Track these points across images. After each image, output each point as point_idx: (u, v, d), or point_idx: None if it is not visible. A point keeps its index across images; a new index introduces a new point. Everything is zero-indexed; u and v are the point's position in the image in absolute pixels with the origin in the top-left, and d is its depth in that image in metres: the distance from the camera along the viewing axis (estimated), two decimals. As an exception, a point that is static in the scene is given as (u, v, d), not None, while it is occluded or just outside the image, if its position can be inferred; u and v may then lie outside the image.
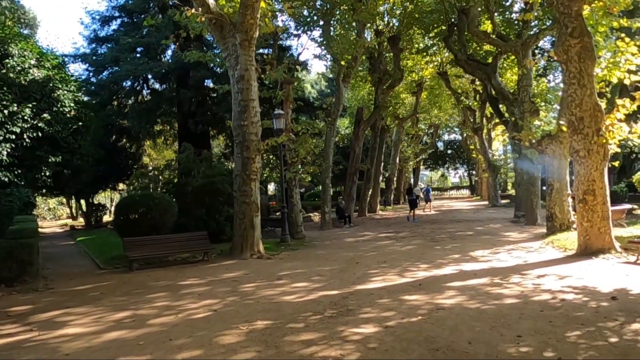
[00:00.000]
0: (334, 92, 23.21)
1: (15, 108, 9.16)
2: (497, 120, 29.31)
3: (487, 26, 20.84)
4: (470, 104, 30.71)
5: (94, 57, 25.45)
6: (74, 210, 37.36)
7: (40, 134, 9.42)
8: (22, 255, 9.74)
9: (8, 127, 8.95)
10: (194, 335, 5.68)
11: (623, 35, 11.42)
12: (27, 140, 9.41)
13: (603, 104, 10.21)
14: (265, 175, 38.02)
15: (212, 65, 21.99)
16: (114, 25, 26.71)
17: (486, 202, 33.91)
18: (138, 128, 25.20)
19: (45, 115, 9.46)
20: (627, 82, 11.06)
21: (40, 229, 29.16)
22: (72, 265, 13.09)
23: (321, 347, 5.05)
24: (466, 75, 27.25)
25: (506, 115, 19.23)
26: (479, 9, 19.58)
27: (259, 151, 12.87)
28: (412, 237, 15.63)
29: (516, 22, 20.63)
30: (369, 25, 23.59)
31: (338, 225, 21.23)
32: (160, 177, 16.97)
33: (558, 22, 10.16)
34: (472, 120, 31.18)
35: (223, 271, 10.56)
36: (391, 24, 25.33)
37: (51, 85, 9.89)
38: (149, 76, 25.46)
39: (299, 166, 17.33)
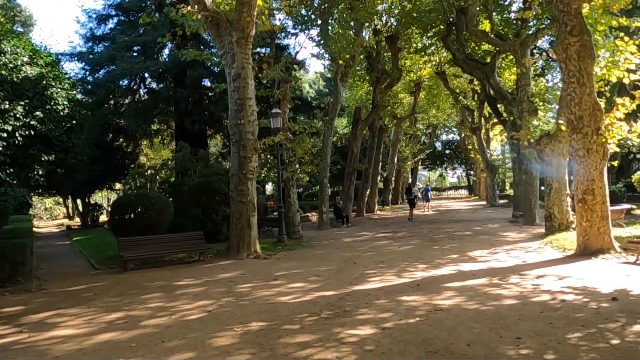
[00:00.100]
0: (332, 91, 23.11)
1: (7, 106, 9.02)
2: (495, 120, 29.27)
3: (486, 25, 20.77)
4: (468, 103, 30.65)
5: (91, 56, 25.27)
6: (70, 210, 37.18)
7: (32, 132, 9.27)
8: (15, 255, 9.61)
9: (0, 125, 8.83)
10: (187, 337, 5.57)
11: (622, 34, 11.37)
12: (19, 138, 9.25)
13: (602, 103, 10.13)
14: (263, 174, 37.93)
15: (209, 64, 21.85)
16: (111, 23, 26.54)
17: (484, 202, 33.86)
18: (135, 127, 25.04)
19: (38, 113, 9.31)
20: (626, 81, 10.99)
21: (36, 229, 29.10)
22: (66, 265, 12.96)
23: (317, 349, 4.94)
24: (464, 75, 27.20)
25: (504, 114, 19.18)
26: (477, 8, 19.52)
27: (255, 150, 12.76)
28: (410, 237, 15.53)
29: (514, 21, 20.58)
30: (367, 24, 23.50)
31: (336, 225, 21.13)
32: (157, 177, 16.83)
33: (557, 21, 10.08)
34: (470, 120, 31.12)
35: (219, 271, 10.45)
36: (389, 24, 25.24)
37: (44, 82, 9.75)
38: (146, 75, 25.29)
39: (297, 166, 17.22)
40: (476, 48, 23.68)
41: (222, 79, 18.87)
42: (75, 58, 25.33)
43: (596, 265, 8.96)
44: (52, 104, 9.90)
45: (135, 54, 24.66)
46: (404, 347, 4.90)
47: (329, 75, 32.86)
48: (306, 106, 27.30)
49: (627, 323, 5.29)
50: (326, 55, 20.76)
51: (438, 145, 52.66)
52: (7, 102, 9.03)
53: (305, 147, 16.61)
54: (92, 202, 30.67)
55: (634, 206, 17.89)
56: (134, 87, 26.50)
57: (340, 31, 20.68)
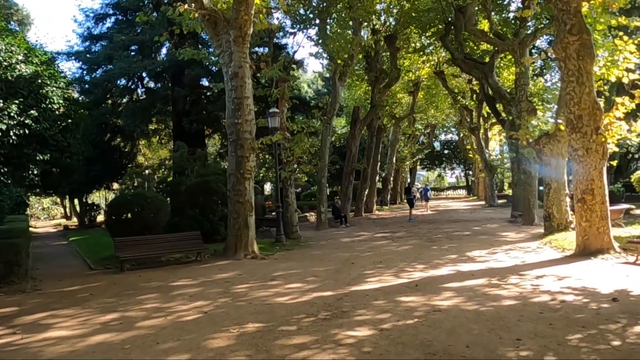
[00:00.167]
0: (331, 91, 23.03)
1: (1, 104, 8.92)
2: (493, 120, 29.24)
3: (484, 25, 20.73)
4: (467, 103, 30.62)
5: (88, 55, 25.13)
6: (68, 210, 37.03)
7: (27, 131, 9.16)
8: (9, 256, 9.50)
9: (-6, 124, 8.74)
10: (182, 339, 5.48)
11: (621, 33, 11.31)
12: (13, 137, 9.16)
13: (601, 103, 10.07)
14: (261, 174, 37.87)
15: (207, 63, 21.75)
16: (108, 22, 26.38)
17: (483, 202, 33.82)
18: (132, 127, 24.91)
19: (32, 112, 9.21)
20: (625, 80, 10.93)
21: (33, 229, 28.97)
22: (62, 265, 12.87)
23: (313, 351, 4.86)
24: (463, 74, 27.17)
25: (503, 114, 19.12)
26: (476, 8, 19.47)
27: (253, 150, 12.67)
28: (408, 237, 15.46)
29: (513, 20, 20.54)
30: (365, 24, 23.43)
31: (334, 225, 21.06)
32: (154, 177, 16.72)
33: (556, 19, 10.01)
34: (468, 120, 31.09)
35: (216, 272, 10.36)
36: (388, 23, 25.17)
37: (39, 81, 9.65)
38: (144, 74, 25.16)
39: (295, 166, 17.13)
40: (475, 48, 23.63)
41: (220, 78, 18.79)
42: (73, 57, 25.21)
43: (596, 265, 8.89)
44: (47, 102, 9.80)
45: (132, 53, 24.53)
46: (402, 348, 4.82)
47: (327, 75, 32.78)
48: (304, 106, 27.21)
49: (628, 324, 5.23)
50: (324, 55, 20.68)
51: (437, 145, 52.63)
52: (1, 101, 8.93)
53: (303, 147, 16.51)
54: (89, 202, 30.53)
55: (632, 206, 17.85)
56: (132, 87, 26.36)
57: (338, 30, 20.61)
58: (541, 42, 25.98)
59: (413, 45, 26.98)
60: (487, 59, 20.40)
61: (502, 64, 24.49)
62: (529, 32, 18.07)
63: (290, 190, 17.71)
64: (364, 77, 27.61)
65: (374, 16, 22.82)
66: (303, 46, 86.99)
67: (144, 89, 26.75)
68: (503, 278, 8.04)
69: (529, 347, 4.66)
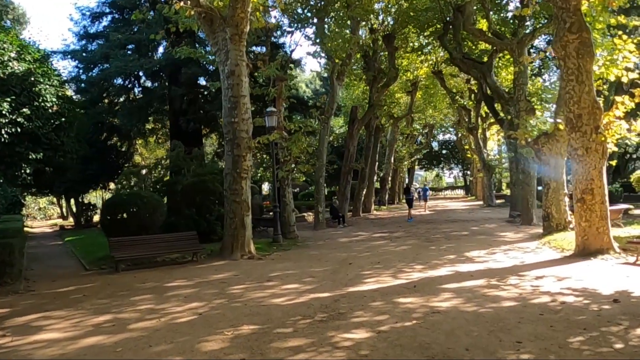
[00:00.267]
0: (329, 90, 22.92)
1: (-7, 102, 8.80)
2: (492, 120, 29.18)
3: (483, 24, 20.67)
4: (465, 103, 30.57)
5: (84, 54, 24.99)
6: (64, 210, 36.82)
7: (19, 130, 9.03)
8: (2, 256, 9.35)
9: (-15, 122, 8.59)
10: (176, 341, 5.36)
11: (620, 32, 11.24)
12: (5, 136, 9.02)
13: (600, 102, 9.99)
14: (259, 174, 37.74)
15: (204, 62, 21.64)
16: (105, 21, 26.28)
17: (481, 202, 33.78)
18: (129, 126, 24.76)
19: (25, 110, 9.07)
20: (624, 79, 10.84)
21: (29, 229, 28.76)
22: (57, 266, 12.72)
23: (309, 354, 4.75)
24: (461, 74, 27.10)
25: (501, 114, 19.05)
26: (475, 7, 19.40)
27: (249, 149, 12.55)
28: (406, 237, 15.36)
29: (511, 20, 20.48)
30: (363, 23, 23.33)
31: (332, 225, 20.95)
32: (150, 176, 16.58)
33: (556, 17, 9.92)
34: (467, 119, 31.05)
35: (212, 272, 10.24)
36: (386, 22, 25.09)
37: (32, 79, 9.50)
38: (141, 73, 25.01)
39: (293, 165, 17.01)
40: (473, 47, 23.58)
41: (217, 77, 18.60)
42: (69, 56, 25.05)
43: (595, 266, 8.81)
44: (40, 100, 9.66)
45: (129, 52, 24.39)
46: (400, 351, 4.72)
47: (325, 75, 32.69)
48: (302, 105, 27.11)
49: (630, 326, 5.13)
50: (322, 54, 20.57)
51: (435, 145, 52.59)
52: (-8, 99, 8.81)
53: (300, 147, 16.38)
54: (85, 202, 30.34)
55: (631, 206, 17.80)
56: (129, 86, 26.22)
57: (336, 30, 20.51)
58: (540, 41, 25.94)
59: (411, 44, 26.91)
60: (485, 59, 20.34)
61: (500, 64, 24.44)
62: (528, 31, 18.00)
63: (288, 190, 17.59)
64: (362, 76, 27.52)
65: (372, 15, 22.74)
66: (301, 45, 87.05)
67: (140, 88, 26.60)
68: (502, 279, 7.95)
69: (530, 350, 4.56)
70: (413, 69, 29.88)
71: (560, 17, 9.68)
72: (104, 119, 25.13)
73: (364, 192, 27.37)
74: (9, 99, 9.01)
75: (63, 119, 10.13)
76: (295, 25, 20.20)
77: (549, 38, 24.67)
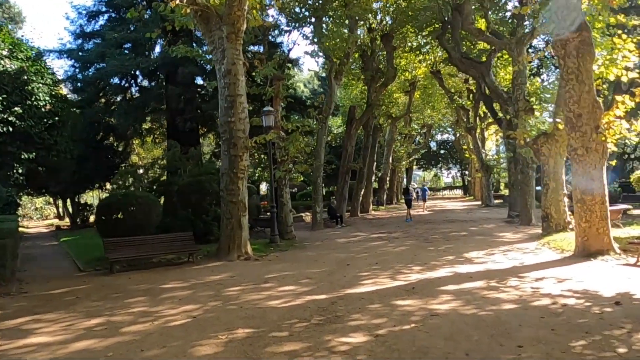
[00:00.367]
0: (327, 90, 22.80)
1: (-17, 101, 8.63)
2: (490, 120, 29.11)
3: (481, 24, 20.58)
4: (463, 103, 30.48)
5: (80, 53, 24.72)
6: (60, 210, 36.59)
7: (11, 129, 8.87)
8: (-6, 257, 9.19)
9: (-24, 121, 8.42)
10: (168, 346, 5.23)
11: (620, 32, 11.15)
12: (-4, 135, 8.88)
13: (600, 102, 9.88)
14: (257, 174, 37.57)
15: (201, 61, 21.46)
16: (101, 20, 25.96)
17: (479, 202, 33.69)
18: (125, 126, 24.53)
19: (16, 109, 8.92)
20: (624, 79, 10.75)
21: (25, 229, 28.55)
22: (51, 267, 12.57)
23: (305, 358, 4.63)
24: (460, 74, 27.00)
25: (500, 114, 18.96)
26: (473, 6, 19.30)
27: (246, 149, 12.41)
28: (404, 238, 15.25)
29: (510, 19, 20.40)
30: (361, 23, 23.21)
31: (330, 226, 20.83)
32: (145, 176, 16.43)
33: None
34: (465, 119, 30.96)
35: (208, 273, 10.11)
36: (384, 22, 24.97)
37: (25, 77, 9.34)
38: (138, 73, 24.80)
39: (291, 165, 16.87)
40: (471, 47, 23.49)
41: (214, 76, 18.45)
42: (65, 55, 24.77)
43: (596, 267, 8.71)
44: (32, 99, 9.49)
45: (126, 51, 24.18)
46: (398, 356, 4.60)
47: (323, 75, 32.56)
48: (300, 105, 26.95)
49: (633, 329, 5.02)
50: (320, 53, 20.43)
51: (433, 145, 52.55)
52: (-17, 98, 8.64)
53: (298, 146, 16.26)
54: (82, 202, 30.14)
55: (630, 206, 17.72)
56: (125, 85, 25.98)
57: (334, 29, 20.39)
58: (538, 41, 25.89)
59: (409, 44, 26.80)
60: (484, 58, 20.23)
61: (498, 63, 24.36)
62: (526, 31, 17.91)
63: (285, 190, 17.45)
64: (360, 76, 27.40)
65: (370, 14, 22.60)
66: (298, 44, 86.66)
67: (137, 88, 26.39)
68: (502, 280, 7.84)
69: (531, 355, 4.45)
70: (411, 69, 29.77)
71: (560, 16, 9.57)
72: (100, 118, 24.89)
73: (362, 192, 27.25)
74: (0, 98, 8.85)
75: (56, 118, 9.97)
76: (293, 24, 20.06)
77: (547, 38, 24.61)
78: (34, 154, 9.51)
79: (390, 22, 24.71)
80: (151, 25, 19.88)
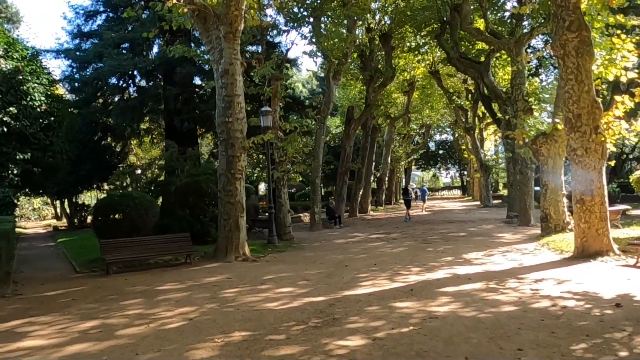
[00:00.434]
0: (325, 90, 22.75)
1: (-22, 101, 8.54)
2: (489, 120, 29.05)
3: (480, 24, 20.55)
4: (462, 103, 30.43)
5: (78, 53, 24.65)
6: (58, 211, 36.45)
7: (6, 129, 8.78)
8: (-11, 259, 9.12)
9: (-30, 121, 8.33)
10: (163, 349, 5.16)
11: (619, 31, 11.10)
12: (-9, 135, 8.78)
13: (599, 102, 9.83)
14: (255, 174, 37.48)
15: (199, 61, 21.38)
16: (99, 20, 25.91)
17: (478, 203, 33.67)
18: (123, 126, 24.45)
19: (11, 109, 8.82)
20: (623, 79, 10.71)
21: (22, 230, 28.41)
22: (47, 268, 12.47)
23: (302, 363, 4.56)
24: (458, 74, 26.97)
25: (499, 114, 18.92)
26: (472, 6, 19.26)
27: (244, 149, 12.34)
28: (403, 239, 15.19)
29: (509, 19, 20.37)
30: (360, 23, 23.16)
31: (328, 226, 20.76)
32: (143, 177, 16.34)
33: (555, 16, 9.77)
34: (464, 119, 30.92)
35: (205, 275, 10.03)
36: (383, 22, 24.93)
37: (20, 77, 9.24)
38: (135, 73, 24.72)
39: (289, 165, 16.80)
40: (470, 47, 23.45)
41: (212, 76, 18.40)
42: (62, 55, 24.71)
43: (595, 268, 8.65)
44: (28, 99, 9.39)
45: (124, 51, 24.10)
46: (396, 360, 4.53)
47: (322, 75, 32.51)
48: (298, 105, 26.89)
49: (634, 332, 4.96)
50: (319, 53, 20.37)
51: (431, 145, 52.49)
52: (-23, 98, 8.55)
53: (296, 147, 16.18)
54: (80, 202, 30.01)
55: (629, 207, 17.69)
56: (123, 85, 25.91)
57: (332, 28, 20.32)
58: (537, 41, 25.88)
59: (408, 44, 26.75)
60: (482, 59, 20.20)
61: (497, 63, 24.33)
62: (525, 31, 17.87)
63: (283, 190, 17.38)
64: (358, 76, 27.35)
65: (368, 14, 22.55)
66: (296, 44, 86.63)
67: (135, 88, 26.31)
68: (501, 282, 7.77)
69: (532, 359, 4.38)
70: (410, 69, 29.72)
71: (560, 16, 9.53)
72: (97, 118, 24.81)
73: (361, 193, 27.20)
74: (-6, 98, 8.79)
75: (52, 118, 9.87)
76: (291, 24, 19.98)
77: (546, 38, 24.59)
78: (29, 154, 9.41)
79: (388, 22, 24.67)
80: (149, 25, 19.82)
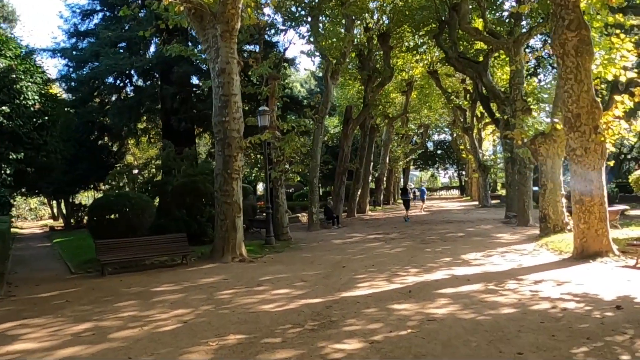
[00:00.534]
0: (323, 90, 22.66)
1: (-30, 100, 8.42)
2: (487, 120, 29.02)
3: (478, 24, 20.48)
4: (460, 103, 30.38)
5: (74, 52, 24.51)
6: (55, 211, 36.28)
7: (-2, 129, 8.69)
8: (-18, 260, 8.99)
9: (-38, 120, 8.21)
10: (157, 353, 5.06)
11: (618, 31, 11.04)
12: (-17, 135, 8.66)
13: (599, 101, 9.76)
14: (254, 174, 37.36)
15: (197, 60, 21.27)
16: (96, 19, 25.79)
17: (476, 203, 33.63)
18: (120, 126, 24.30)
19: (4, 108, 8.71)
20: (622, 79, 10.64)
21: (19, 230, 28.24)
22: (42, 269, 12.36)
23: (298, 367, 4.47)
24: (457, 74, 26.92)
25: (497, 114, 18.86)
26: (470, 6, 19.19)
27: (241, 149, 12.24)
28: (401, 239, 15.10)
29: (507, 19, 20.31)
30: (358, 22, 23.08)
31: (326, 226, 20.67)
32: (140, 177, 16.22)
33: (554, 15, 9.70)
34: (462, 119, 30.86)
35: (201, 276, 9.92)
36: (381, 21, 24.86)
37: (13, 76, 9.12)
38: (132, 72, 24.58)
39: (287, 165, 16.69)
40: (468, 47, 23.39)
41: (209, 76, 18.29)
42: (59, 54, 24.56)
43: (595, 269, 8.58)
44: (21, 98, 9.26)
45: (121, 50, 23.96)
46: (394, 364, 4.44)
47: (320, 74, 32.42)
48: (296, 105, 26.80)
49: (635, 335, 4.88)
50: (317, 53, 20.28)
51: (430, 145, 52.48)
52: (-31, 97, 8.43)
53: (294, 147, 16.07)
54: (76, 202, 29.86)
55: (628, 207, 17.64)
56: (120, 85, 25.77)
57: (330, 27, 20.23)
58: (535, 41, 25.84)
59: (406, 44, 26.67)
60: (481, 58, 20.14)
61: (496, 63, 24.26)
62: (524, 30, 17.81)
63: (281, 190, 17.28)
64: (356, 76, 27.26)
65: (366, 14, 22.49)
66: (294, 43, 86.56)
67: (132, 87, 26.17)
68: (500, 283, 7.69)
69: (532, 363, 4.30)
70: (408, 69, 29.65)
71: (559, 14, 9.45)
72: (94, 118, 24.67)
73: (359, 193, 27.11)
74: (-14, 97, 8.67)
75: (46, 118, 9.74)
76: (289, 23, 19.90)
77: (544, 38, 24.56)
78: (22, 154, 9.30)
79: (387, 21, 24.61)
80: (146, 24, 19.69)
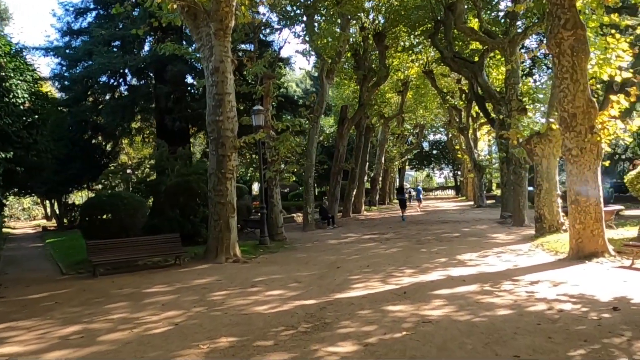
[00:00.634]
0: (319, 90, 22.56)
1: (-43, 98, 8.26)
2: (483, 120, 29.03)
3: (474, 23, 20.47)
4: (456, 103, 30.40)
5: (67, 51, 24.26)
6: (48, 211, 35.98)
7: (-14, 127, 8.53)
8: (-30, 261, 8.83)
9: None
10: (146, 356, 4.95)
11: (613, 31, 11.02)
12: (-30, 134, 8.50)
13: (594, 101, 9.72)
14: (249, 174, 37.21)
15: (191, 59, 21.11)
16: (89, 17, 25.54)
17: (471, 203, 33.63)
18: (114, 125, 24.07)
19: (-7, 106, 8.58)
20: (618, 79, 10.62)
21: (11, 230, 27.98)
22: (33, 269, 12.21)
23: (291, 371, 4.37)
24: (452, 74, 26.90)
25: (493, 114, 18.84)
26: (466, 5, 19.16)
27: (235, 148, 12.12)
28: (397, 239, 15.03)
29: (503, 19, 20.31)
30: (354, 22, 23.00)
31: (321, 227, 20.57)
32: (133, 176, 16.05)
33: (550, 14, 9.65)
34: (457, 119, 30.89)
35: (194, 277, 9.80)
36: (376, 21, 24.79)
37: (2, 73, 8.96)
38: (126, 71, 24.35)
39: (282, 165, 16.57)
40: (464, 47, 23.38)
41: (204, 75, 18.15)
42: (51, 52, 24.29)
43: (591, 269, 8.53)
44: (10, 96, 9.10)
45: (114, 49, 23.72)
46: (388, 367, 4.35)
47: (315, 74, 32.30)
48: (292, 104, 26.68)
49: (633, 337, 4.82)
50: (312, 52, 20.18)
51: (425, 145, 52.51)
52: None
53: (289, 146, 15.95)
54: (69, 202, 29.59)
55: (622, 207, 17.66)
56: (114, 84, 25.53)
57: (325, 26, 20.14)
58: (531, 41, 25.85)
59: (402, 43, 26.64)
60: (476, 58, 20.11)
61: (491, 63, 24.28)
62: (519, 30, 17.80)
63: (275, 190, 17.16)
64: (352, 75, 27.20)
65: (362, 13, 22.40)
66: (289, 42, 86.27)
67: (126, 86, 25.94)
68: (496, 284, 7.62)
69: (529, 366, 4.22)
70: (404, 69, 29.61)
71: (555, 14, 9.41)
72: (87, 117, 24.41)
73: (354, 193, 27.03)
74: (-26, 95, 8.51)
75: (36, 116, 9.58)
76: (284, 22, 19.78)
77: (540, 38, 24.58)
78: (11, 153, 9.13)
79: (382, 21, 24.55)
80: (139, 22, 19.46)
